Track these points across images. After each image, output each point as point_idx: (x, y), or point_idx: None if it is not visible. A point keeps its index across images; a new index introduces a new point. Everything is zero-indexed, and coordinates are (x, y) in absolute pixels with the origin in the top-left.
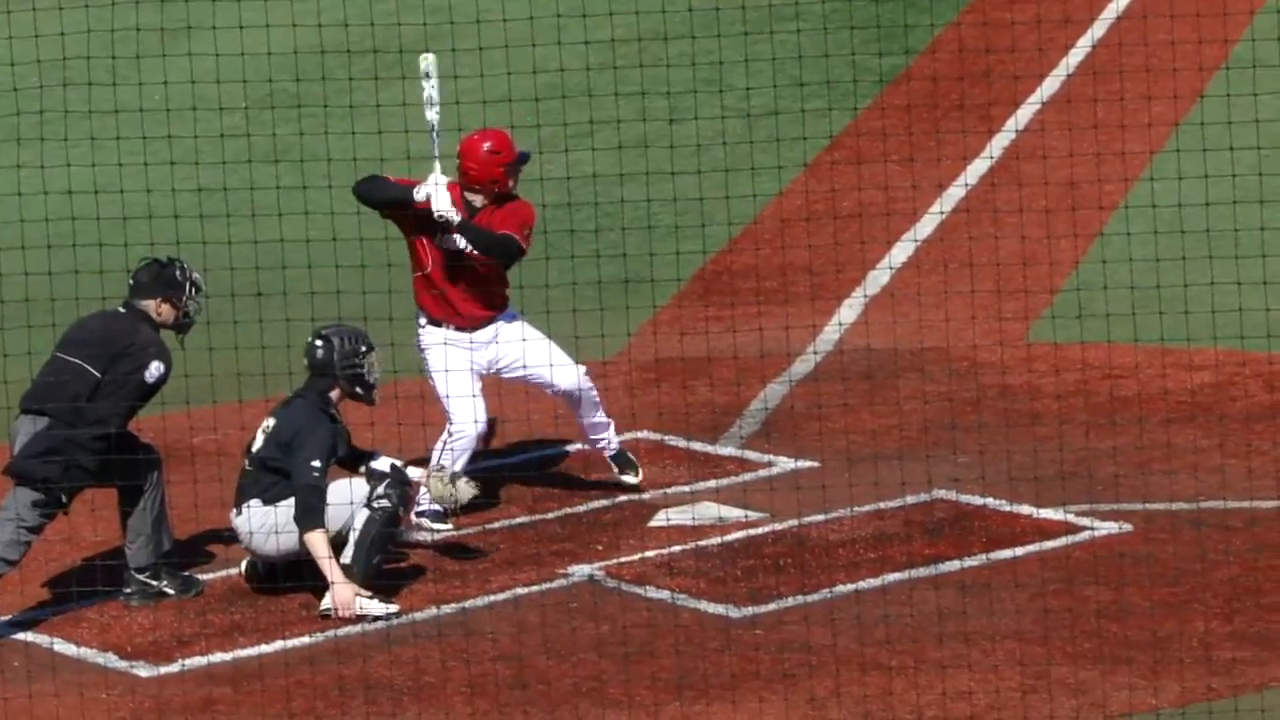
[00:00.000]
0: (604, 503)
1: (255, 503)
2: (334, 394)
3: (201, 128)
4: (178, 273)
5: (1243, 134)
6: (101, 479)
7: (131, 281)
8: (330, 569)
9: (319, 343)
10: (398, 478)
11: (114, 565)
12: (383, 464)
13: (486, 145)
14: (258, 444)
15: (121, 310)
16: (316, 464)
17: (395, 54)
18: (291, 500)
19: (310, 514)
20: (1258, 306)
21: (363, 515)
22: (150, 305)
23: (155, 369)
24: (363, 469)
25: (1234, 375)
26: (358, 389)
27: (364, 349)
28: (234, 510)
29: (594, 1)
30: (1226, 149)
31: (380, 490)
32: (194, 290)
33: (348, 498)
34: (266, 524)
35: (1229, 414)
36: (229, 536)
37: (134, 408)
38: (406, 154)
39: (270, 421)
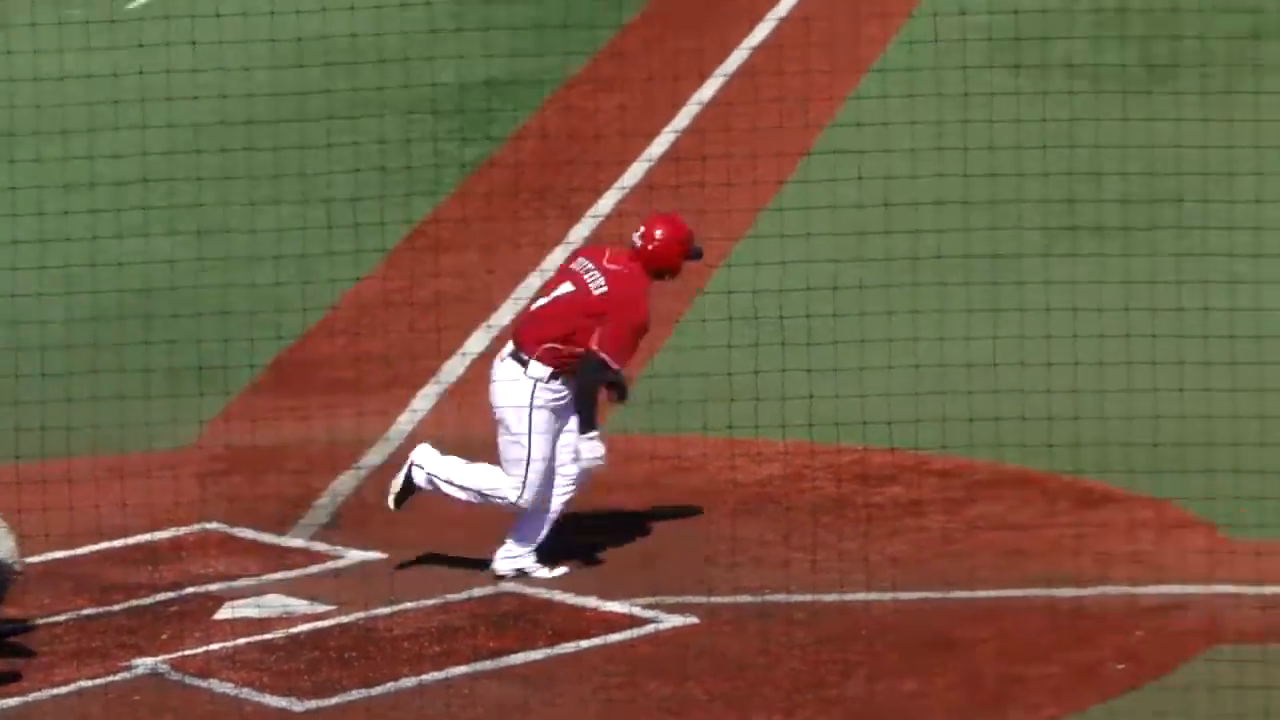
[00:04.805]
0: (170, 595)
1: None
2: None
3: None
4: None
5: (821, 220)
6: None
7: None
8: None
9: None
10: None
11: None
12: None
13: (667, 232)
14: None
15: None
16: None
17: None
18: None
19: None
20: (828, 394)
21: None
22: None
23: None
24: None
25: (803, 467)
26: None
27: None
28: None
29: (170, 87)
30: (804, 236)
31: None
32: None
33: None
34: None
35: (796, 506)
36: None
37: None
38: None
39: None
